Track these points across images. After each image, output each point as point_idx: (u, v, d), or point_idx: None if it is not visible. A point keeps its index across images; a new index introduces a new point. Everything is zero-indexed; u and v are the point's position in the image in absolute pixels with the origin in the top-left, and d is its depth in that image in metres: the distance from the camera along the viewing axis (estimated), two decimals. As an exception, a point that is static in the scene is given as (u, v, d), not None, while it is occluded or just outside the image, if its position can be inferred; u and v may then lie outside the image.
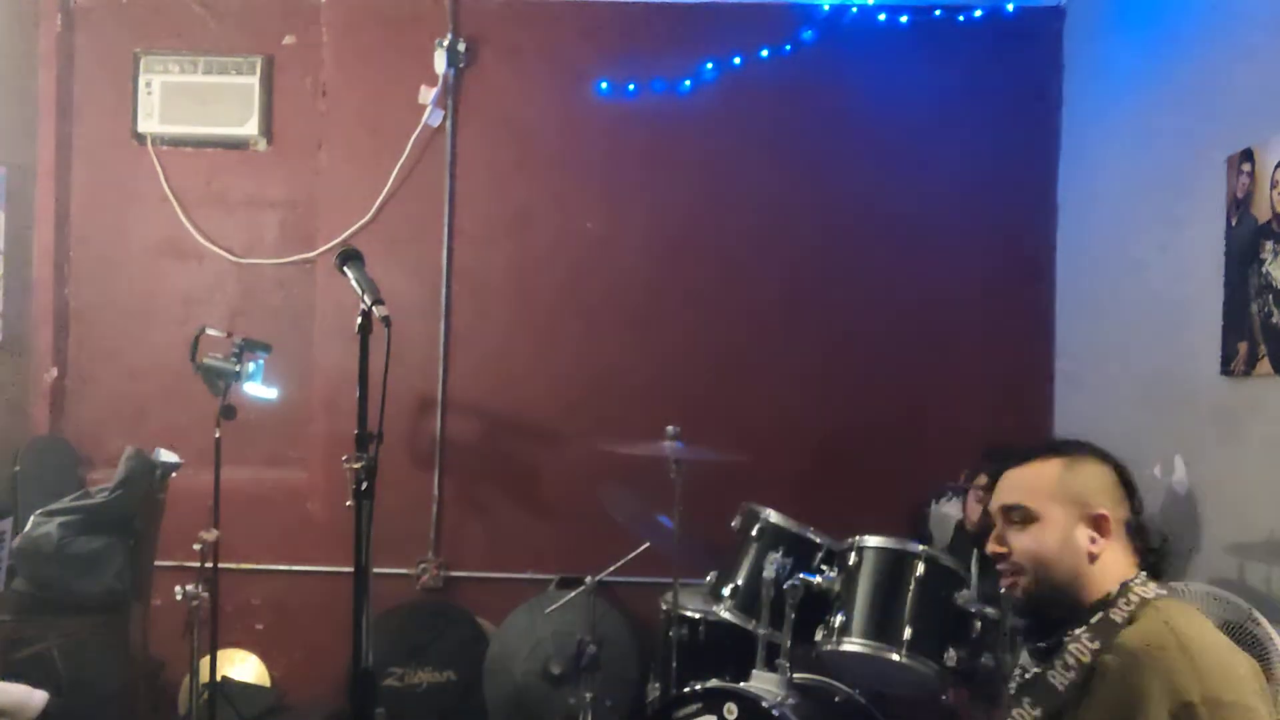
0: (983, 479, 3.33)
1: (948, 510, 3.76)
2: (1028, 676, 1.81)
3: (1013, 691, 1.85)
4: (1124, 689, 1.61)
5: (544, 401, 4.30)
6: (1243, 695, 1.57)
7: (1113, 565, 1.75)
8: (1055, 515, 1.77)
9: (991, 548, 1.84)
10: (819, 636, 2.98)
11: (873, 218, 4.29)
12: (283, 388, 4.00)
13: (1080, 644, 1.70)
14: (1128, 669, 1.62)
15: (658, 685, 3.40)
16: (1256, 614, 2.49)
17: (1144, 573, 1.76)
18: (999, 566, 1.83)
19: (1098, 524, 1.76)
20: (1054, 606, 1.77)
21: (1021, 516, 1.79)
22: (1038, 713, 1.72)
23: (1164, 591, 1.74)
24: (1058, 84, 4.24)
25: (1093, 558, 1.75)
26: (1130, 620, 1.68)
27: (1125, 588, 1.73)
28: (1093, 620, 1.71)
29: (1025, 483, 1.81)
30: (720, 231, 4.30)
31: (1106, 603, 1.72)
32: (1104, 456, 1.84)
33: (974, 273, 4.26)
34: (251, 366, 3.72)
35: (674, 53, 4.29)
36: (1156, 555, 1.81)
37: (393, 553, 4.11)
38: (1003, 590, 1.84)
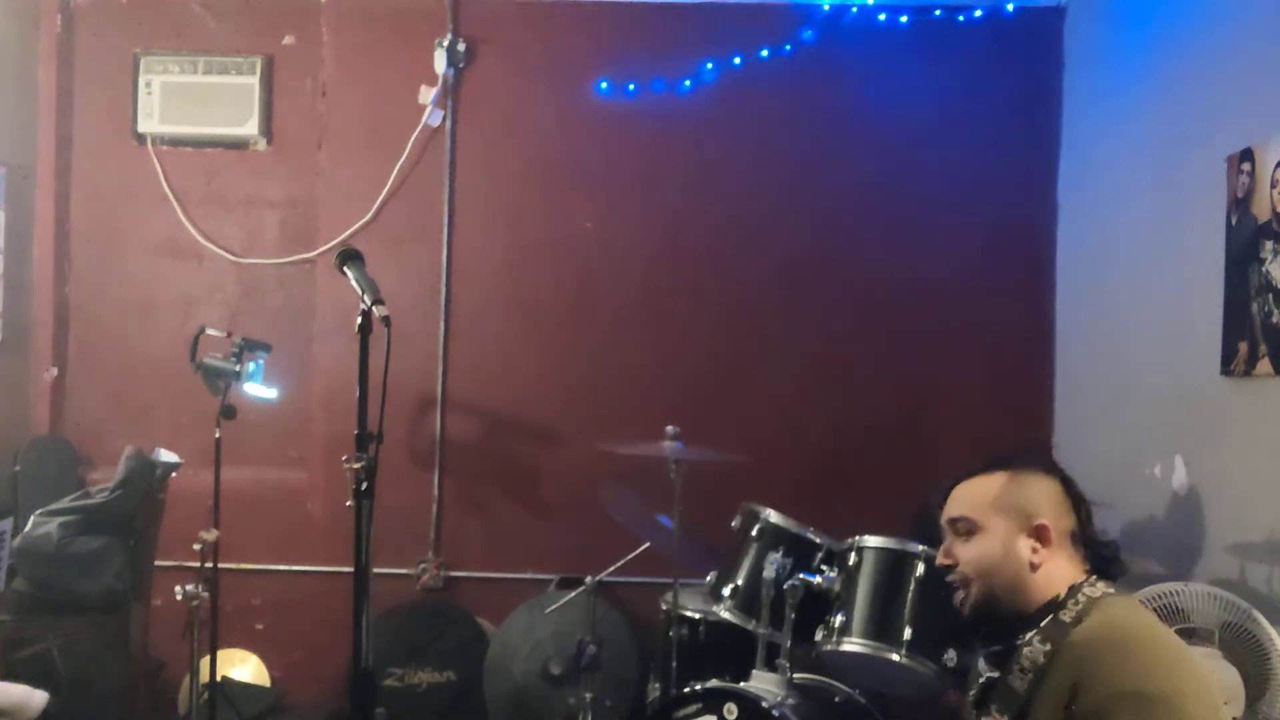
0: None
1: None
2: (983, 682, 1.86)
3: (972, 699, 1.87)
4: (1063, 682, 1.66)
5: (544, 401, 4.30)
6: (1174, 688, 1.60)
7: (1056, 573, 1.80)
8: (997, 526, 1.83)
9: (940, 559, 1.92)
10: (819, 636, 2.98)
11: (873, 217, 4.29)
12: (283, 388, 4.00)
13: (1033, 647, 1.75)
14: (1068, 664, 1.67)
15: (658, 685, 3.40)
16: (1256, 614, 2.49)
17: (1094, 575, 1.81)
18: (948, 578, 1.90)
19: (1039, 534, 1.81)
20: (1000, 614, 1.83)
21: (966, 528, 1.87)
22: (1005, 718, 1.75)
23: (1112, 590, 1.78)
24: (1058, 84, 4.23)
25: (1034, 567, 1.80)
26: (1079, 620, 1.73)
27: (1074, 589, 1.78)
28: (1043, 623, 1.76)
29: (970, 496, 1.89)
30: (720, 231, 4.30)
31: (1055, 605, 1.77)
32: (1050, 469, 1.90)
33: (974, 273, 4.26)
34: (251, 366, 3.72)
35: (674, 53, 4.29)
36: (1107, 561, 1.85)
37: (393, 553, 4.11)
38: (954, 600, 1.90)
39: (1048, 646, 1.72)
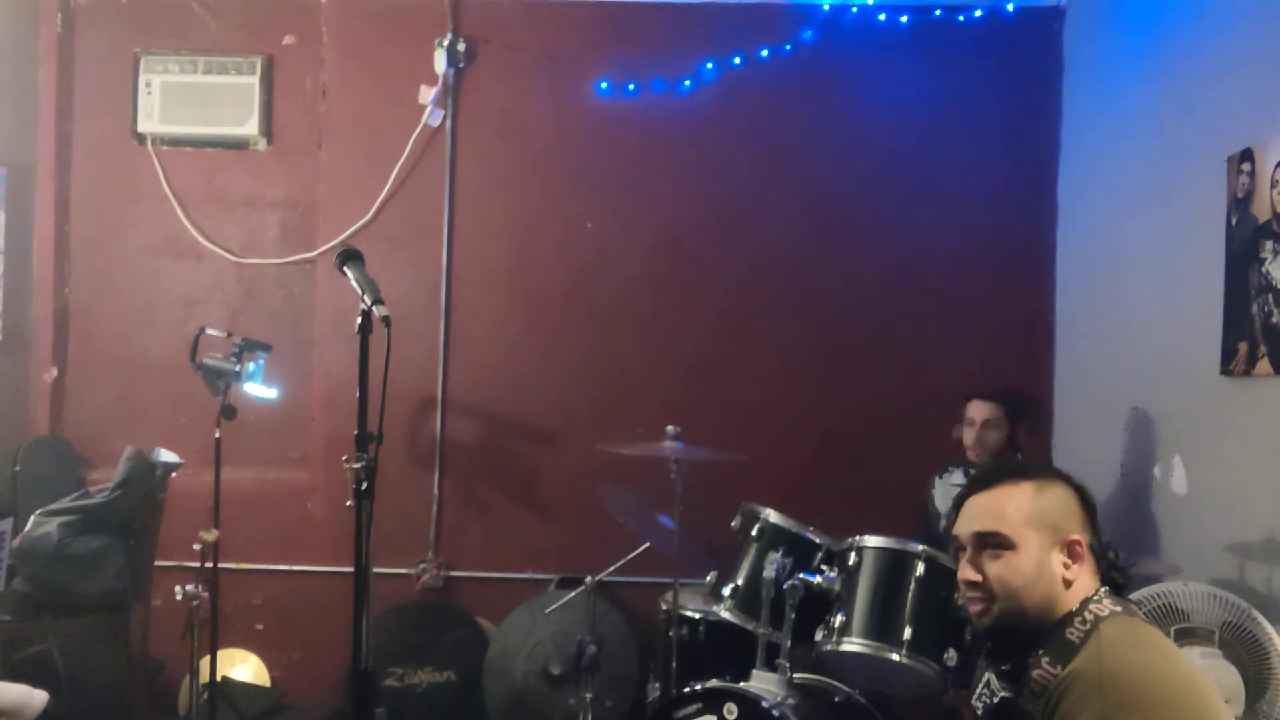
0: (976, 407, 3.52)
1: (959, 480, 3.70)
2: (996, 701, 1.84)
3: (980, 712, 1.86)
4: (1052, 712, 1.66)
5: (544, 401, 4.30)
6: None
7: (1080, 588, 1.77)
8: (1030, 542, 1.78)
9: (965, 575, 1.84)
10: (819, 636, 2.98)
11: (873, 218, 4.29)
12: (283, 388, 4.00)
13: (1043, 670, 1.72)
14: (1059, 697, 1.66)
15: (658, 685, 3.40)
16: (1256, 614, 2.49)
17: (1104, 587, 1.78)
18: (969, 594, 1.83)
19: (1071, 549, 1.78)
20: (1020, 631, 1.78)
21: (997, 543, 1.80)
22: None
23: (1119, 608, 1.75)
24: (1058, 84, 4.24)
25: (1067, 583, 1.77)
26: (1083, 642, 1.70)
27: (1083, 605, 1.75)
28: (1053, 640, 1.73)
29: (997, 509, 1.82)
30: (720, 231, 4.30)
31: (1065, 621, 1.74)
32: (1066, 478, 1.86)
33: (974, 272, 4.26)
34: (251, 366, 3.72)
35: (674, 53, 4.29)
36: (1121, 572, 1.83)
37: (393, 553, 4.11)
38: (970, 615, 1.85)
39: (1058, 669, 1.70)
